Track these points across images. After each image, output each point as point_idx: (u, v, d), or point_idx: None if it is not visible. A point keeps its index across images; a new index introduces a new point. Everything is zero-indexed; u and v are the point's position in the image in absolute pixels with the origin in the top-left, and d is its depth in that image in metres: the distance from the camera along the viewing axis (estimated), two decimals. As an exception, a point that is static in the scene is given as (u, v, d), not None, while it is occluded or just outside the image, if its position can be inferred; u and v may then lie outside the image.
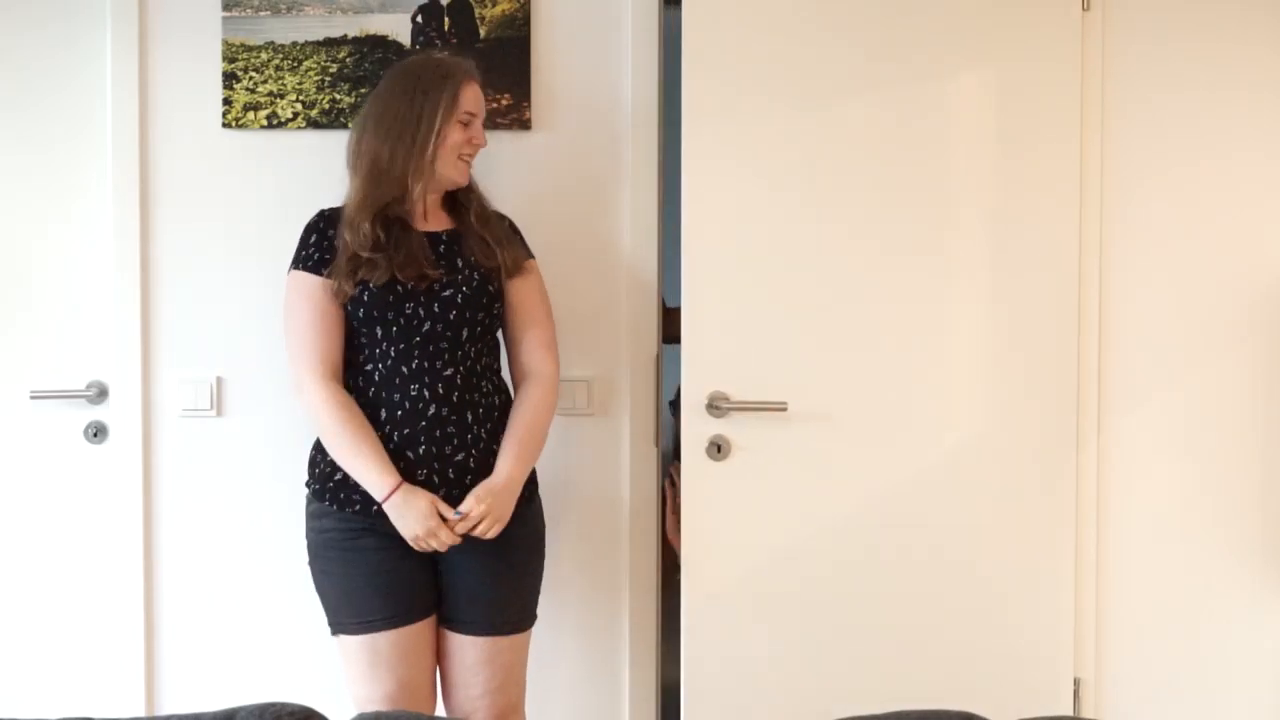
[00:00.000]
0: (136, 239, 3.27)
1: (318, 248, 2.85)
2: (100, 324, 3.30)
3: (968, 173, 3.17)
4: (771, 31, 3.11)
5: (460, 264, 2.89)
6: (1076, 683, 3.25)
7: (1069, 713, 3.19)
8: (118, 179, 3.26)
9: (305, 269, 2.85)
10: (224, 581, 3.31)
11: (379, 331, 2.82)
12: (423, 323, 2.83)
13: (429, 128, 2.83)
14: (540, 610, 2.97)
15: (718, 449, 3.11)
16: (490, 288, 2.90)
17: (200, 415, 3.30)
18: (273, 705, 2.05)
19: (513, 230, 3.02)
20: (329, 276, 2.82)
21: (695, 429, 3.13)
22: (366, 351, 2.84)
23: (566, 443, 3.33)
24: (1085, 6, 3.21)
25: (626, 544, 3.36)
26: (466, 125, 2.88)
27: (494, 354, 2.95)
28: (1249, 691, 3.30)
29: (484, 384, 2.89)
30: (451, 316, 2.84)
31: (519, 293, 2.96)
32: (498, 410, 2.90)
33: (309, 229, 2.90)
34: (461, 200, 2.96)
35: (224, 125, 3.27)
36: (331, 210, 2.91)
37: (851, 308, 3.15)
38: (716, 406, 3.11)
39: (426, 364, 2.82)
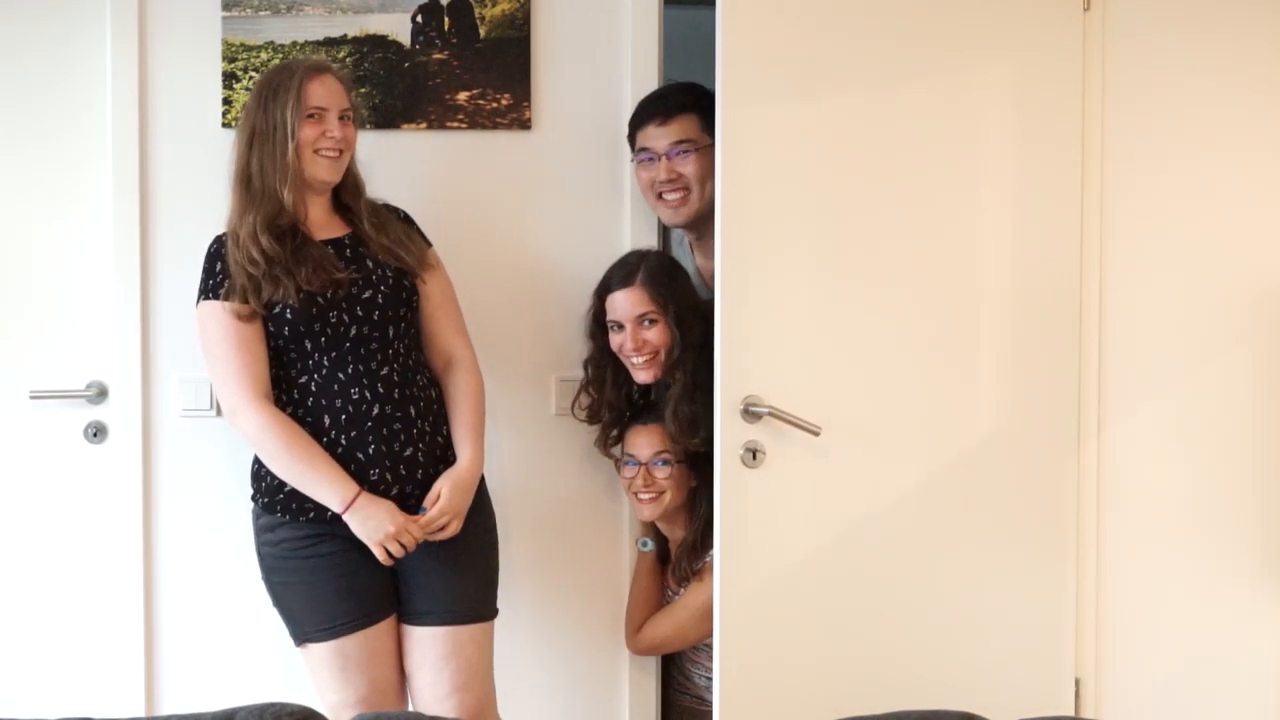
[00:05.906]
0: (136, 239, 3.26)
1: (225, 274, 2.86)
2: (100, 324, 3.29)
3: (971, 174, 3.17)
4: (800, 28, 3.04)
5: (371, 264, 2.91)
6: (1077, 683, 3.25)
7: (1069, 713, 3.19)
8: (118, 179, 3.26)
9: (218, 298, 2.85)
10: (224, 581, 3.30)
11: (308, 344, 2.84)
12: (349, 328, 2.85)
13: (284, 131, 2.83)
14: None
15: (753, 455, 2.97)
16: (406, 283, 2.93)
17: (200, 415, 3.29)
18: (273, 705, 2.06)
19: (409, 223, 3.03)
20: (235, 299, 2.83)
21: (729, 434, 2.95)
22: (299, 365, 2.86)
23: (567, 443, 3.33)
24: (1085, 6, 3.20)
25: (626, 545, 3.35)
26: (318, 119, 2.87)
27: (420, 347, 2.98)
28: (1249, 691, 3.30)
29: (419, 378, 2.93)
30: (375, 317, 2.87)
31: (429, 284, 2.98)
32: (436, 402, 2.95)
33: (212, 257, 2.91)
34: (348, 203, 2.96)
35: (224, 125, 3.27)
36: (226, 234, 2.91)
37: (885, 308, 3.09)
38: (751, 411, 2.96)
39: (362, 367, 2.85)
